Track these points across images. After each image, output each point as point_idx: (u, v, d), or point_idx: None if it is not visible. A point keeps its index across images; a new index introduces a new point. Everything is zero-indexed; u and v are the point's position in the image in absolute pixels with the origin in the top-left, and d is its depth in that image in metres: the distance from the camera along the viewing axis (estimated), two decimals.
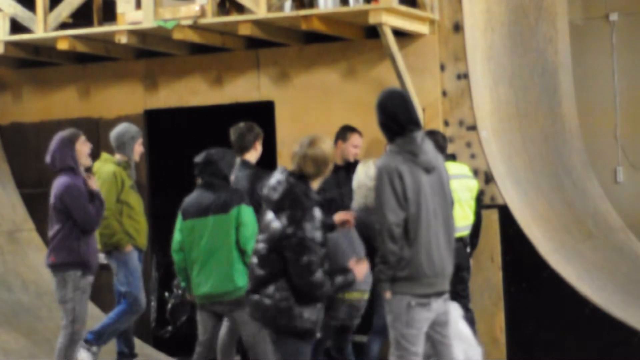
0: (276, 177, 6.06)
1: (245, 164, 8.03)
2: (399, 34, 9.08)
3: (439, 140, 8.30)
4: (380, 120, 6.16)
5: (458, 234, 8.35)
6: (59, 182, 8.07)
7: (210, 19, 9.09)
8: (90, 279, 8.12)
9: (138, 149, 8.85)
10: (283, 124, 9.80)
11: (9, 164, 10.81)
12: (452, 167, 8.48)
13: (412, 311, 5.95)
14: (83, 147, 8.16)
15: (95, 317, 9.64)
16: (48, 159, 8.13)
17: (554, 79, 11.28)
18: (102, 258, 9.43)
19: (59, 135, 8.16)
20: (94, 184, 8.18)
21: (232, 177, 7.76)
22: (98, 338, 8.60)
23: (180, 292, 10.28)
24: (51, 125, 10.35)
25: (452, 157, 8.84)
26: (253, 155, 8.08)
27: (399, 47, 9.00)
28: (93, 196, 8.07)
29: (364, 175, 8.03)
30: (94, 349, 8.56)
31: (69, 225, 8.01)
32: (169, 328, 10.44)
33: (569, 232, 10.17)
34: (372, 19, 8.60)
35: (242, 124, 8.10)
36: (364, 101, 9.49)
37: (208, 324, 7.54)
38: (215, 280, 7.36)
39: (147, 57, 10.36)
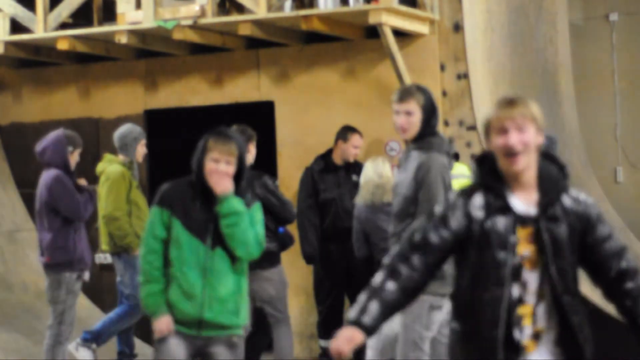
0: None
1: None
2: (399, 34, 9.08)
3: None
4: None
5: None
6: (47, 175, 8.05)
7: (210, 19, 9.09)
8: (87, 275, 8.12)
9: (141, 150, 8.83)
10: (283, 124, 9.80)
11: (9, 164, 10.81)
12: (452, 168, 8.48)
13: (432, 313, 5.92)
14: (77, 157, 8.18)
15: (96, 317, 9.65)
16: (39, 148, 8.12)
17: (554, 79, 11.28)
18: (105, 258, 9.43)
19: (61, 132, 8.15)
20: (83, 182, 8.17)
21: None
22: (97, 337, 8.59)
23: None
24: (51, 125, 10.33)
25: (456, 157, 8.83)
26: (247, 158, 8.02)
27: (399, 47, 9.00)
28: (82, 190, 8.07)
29: (372, 172, 8.04)
30: (94, 346, 8.56)
31: (59, 222, 7.99)
32: None
33: None
34: (372, 19, 8.60)
35: (234, 127, 8.05)
36: (364, 101, 9.49)
37: None
38: None
39: (147, 57, 10.36)
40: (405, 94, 5.92)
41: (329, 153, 9.18)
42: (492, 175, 3.92)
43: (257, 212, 5.63)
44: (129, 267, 8.61)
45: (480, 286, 3.84)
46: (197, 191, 5.49)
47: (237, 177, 5.52)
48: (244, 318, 5.67)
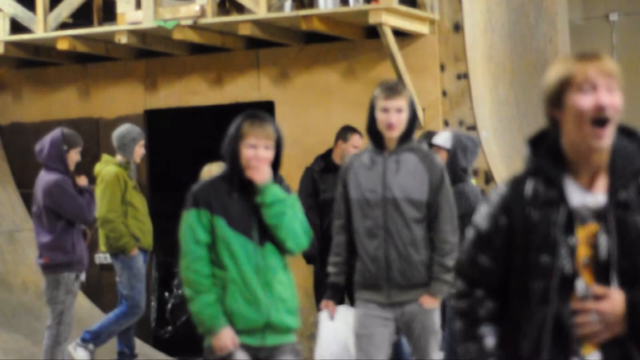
0: None
1: None
2: (399, 34, 9.08)
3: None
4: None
5: None
6: (45, 180, 8.05)
7: (210, 19, 9.09)
8: (83, 276, 8.13)
9: (139, 150, 8.83)
10: (283, 124, 9.77)
11: (9, 164, 10.81)
12: None
13: None
14: (76, 156, 8.17)
15: (96, 317, 9.65)
16: (38, 148, 8.14)
17: None
18: (105, 258, 9.44)
19: (58, 132, 8.15)
20: (83, 181, 8.16)
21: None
22: (95, 338, 8.60)
23: (180, 292, 10.27)
24: (51, 125, 10.32)
25: None
26: None
27: (399, 47, 9.00)
28: (82, 191, 8.07)
29: None
30: (91, 346, 8.57)
31: (61, 225, 8.00)
32: (169, 328, 10.44)
33: None
34: (372, 19, 8.60)
35: None
36: (364, 101, 9.45)
37: None
38: None
39: (147, 57, 10.36)
40: (395, 90, 5.76)
41: (329, 153, 9.18)
42: (548, 158, 2.95)
43: (296, 201, 5.12)
44: (125, 268, 8.63)
45: (521, 303, 2.96)
46: (234, 183, 4.92)
47: (273, 164, 4.99)
48: (298, 319, 5.14)
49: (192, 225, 4.91)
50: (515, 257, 2.95)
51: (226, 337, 4.85)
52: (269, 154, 4.91)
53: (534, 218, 2.92)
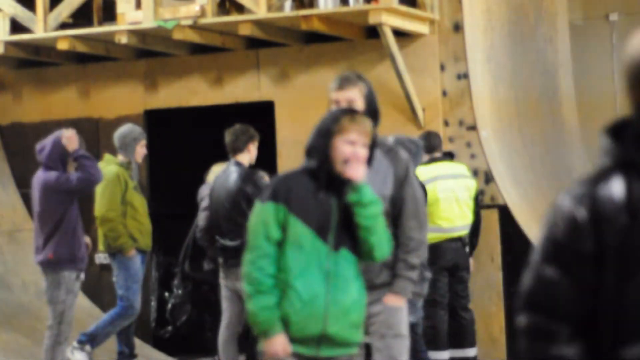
0: None
1: (237, 163, 7.99)
2: (399, 34, 9.08)
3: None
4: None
5: (457, 234, 8.37)
6: (42, 178, 8.04)
7: (210, 19, 9.09)
8: (83, 276, 8.14)
9: (140, 150, 8.83)
10: (283, 124, 9.80)
11: (9, 164, 10.81)
12: (450, 167, 8.49)
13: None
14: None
15: (95, 317, 9.65)
16: (38, 146, 8.13)
17: (554, 79, 11.29)
18: (105, 258, 9.44)
19: (60, 132, 8.15)
20: (73, 143, 8.05)
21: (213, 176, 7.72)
22: (92, 340, 8.60)
23: (180, 292, 10.26)
24: (51, 125, 10.33)
25: (450, 156, 8.82)
26: (246, 158, 7.99)
27: (399, 47, 9.00)
28: (76, 159, 8.00)
29: None
30: (88, 348, 8.57)
31: (66, 221, 8.00)
32: (169, 328, 10.43)
33: None
34: (372, 19, 8.60)
35: (237, 126, 8.05)
36: None
37: None
38: None
39: (147, 57, 10.36)
40: (346, 81, 5.44)
41: None
42: None
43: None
44: (122, 268, 8.65)
45: (627, 339, 2.27)
46: (322, 179, 4.65)
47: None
48: (363, 333, 4.81)
49: (266, 219, 4.59)
50: (608, 280, 2.28)
51: (278, 345, 4.58)
52: (366, 153, 4.63)
53: (636, 229, 2.26)
